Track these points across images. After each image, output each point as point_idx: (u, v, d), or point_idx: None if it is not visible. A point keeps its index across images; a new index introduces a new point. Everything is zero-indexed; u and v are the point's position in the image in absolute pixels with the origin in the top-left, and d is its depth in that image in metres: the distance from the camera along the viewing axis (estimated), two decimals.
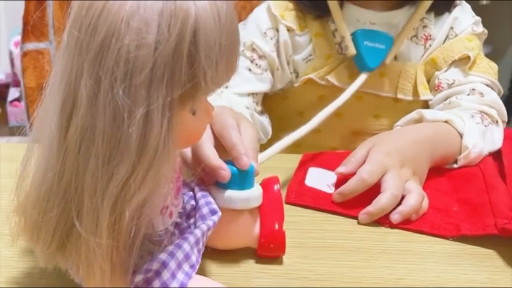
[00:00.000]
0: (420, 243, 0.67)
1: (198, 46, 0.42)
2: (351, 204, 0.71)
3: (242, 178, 0.59)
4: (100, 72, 0.42)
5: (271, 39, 0.92)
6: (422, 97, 0.91)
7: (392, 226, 0.69)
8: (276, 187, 0.63)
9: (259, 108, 0.93)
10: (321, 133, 0.93)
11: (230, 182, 0.58)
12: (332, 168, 0.79)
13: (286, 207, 0.71)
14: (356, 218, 0.70)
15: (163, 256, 0.49)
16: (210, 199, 0.57)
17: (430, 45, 0.92)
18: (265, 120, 0.93)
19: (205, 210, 0.56)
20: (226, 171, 0.57)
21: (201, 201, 0.57)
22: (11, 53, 2.82)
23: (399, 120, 0.89)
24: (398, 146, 0.76)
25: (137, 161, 0.43)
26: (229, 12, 0.45)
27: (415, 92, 0.92)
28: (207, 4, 0.43)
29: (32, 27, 1.15)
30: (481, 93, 0.88)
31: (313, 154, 0.85)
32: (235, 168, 0.58)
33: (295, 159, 0.84)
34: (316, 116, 0.81)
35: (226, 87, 0.89)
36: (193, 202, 0.58)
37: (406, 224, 0.69)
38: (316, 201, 0.73)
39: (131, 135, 0.42)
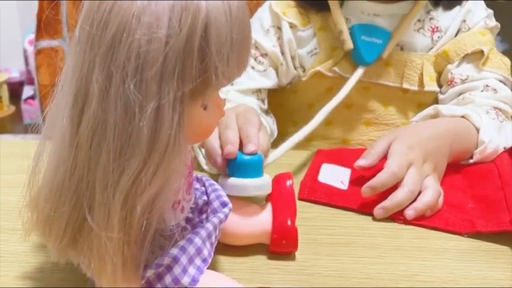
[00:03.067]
0: (435, 239, 0.66)
1: (209, 41, 0.42)
2: (365, 200, 0.71)
3: (252, 166, 0.62)
4: (111, 67, 0.42)
5: (274, 35, 0.93)
6: (427, 88, 0.91)
7: (406, 222, 0.69)
8: (288, 183, 0.63)
9: (265, 106, 0.93)
10: (332, 125, 0.93)
11: (241, 171, 0.61)
12: (345, 164, 0.79)
13: (299, 203, 0.71)
14: (369, 214, 0.70)
15: (174, 251, 0.49)
16: (221, 192, 0.57)
17: (439, 37, 0.92)
18: (269, 120, 0.93)
19: (216, 204, 0.56)
20: (232, 146, 0.61)
21: (212, 196, 0.57)
22: (25, 51, 2.84)
23: (415, 114, 0.89)
24: (420, 139, 0.75)
25: (148, 155, 0.42)
26: (240, 6, 0.45)
27: (421, 83, 0.91)
28: None
29: (46, 24, 1.15)
30: (495, 90, 0.88)
31: (327, 150, 0.85)
32: (245, 158, 0.61)
33: (308, 155, 0.84)
34: (319, 113, 0.82)
35: (232, 84, 0.89)
36: (205, 197, 0.57)
37: (420, 221, 0.69)
38: (330, 197, 0.72)
39: (142, 129, 0.42)
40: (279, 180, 0.64)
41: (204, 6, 0.42)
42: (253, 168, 0.62)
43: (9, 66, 2.96)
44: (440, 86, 0.94)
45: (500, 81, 0.90)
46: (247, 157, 0.62)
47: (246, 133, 0.64)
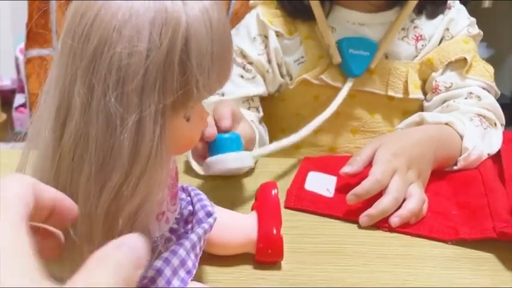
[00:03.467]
0: (420, 247, 0.67)
1: (189, 54, 0.43)
2: (351, 208, 0.71)
3: (230, 141, 0.66)
4: (93, 80, 0.42)
5: (261, 44, 0.93)
6: (412, 95, 0.92)
7: (391, 230, 0.69)
8: (273, 192, 0.63)
9: (259, 114, 0.93)
10: (320, 133, 0.94)
11: (220, 147, 0.65)
12: (331, 172, 0.79)
13: (285, 211, 0.72)
14: (355, 222, 0.70)
15: (158, 263, 0.49)
16: (206, 202, 0.58)
17: (423, 46, 0.93)
18: (262, 129, 0.93)
19: (201, 214, 0.56)
20: (211, 128, 0.65)
21: (197, 206, 0.57)
22: (16, 59, 2.83)
23: (400, 121, 0.90)
24: (404, 146, 0.76)
25: (129, 168, 0.43)
26: (221, 19, 0.45)
27: (405, 90, 0.92)
28: (198, 12, 0.43)
29: (35, 34, 1.15)
30: (479, 97, 0.89)
31: (313, 158, 0.85)
32: (223, 135, 0.66)
33: (296, 163, 0.84)
34: (311, 123, 0.82)
35: (223, 94, 0.90)
36: (190, 207, 0.58)
37: (405, 228, 0.69)
38: (316, 205, 0.73)
39: (123, 142, 0.42)
40: (264, 189, 0.64)
41: (184, 20, 0.42)
42: (231, 143, 0.66)
43: (1, 74, 2.95)
44: (425, 93, 0.95)
45: (484, 88, 0.91)
46: (225, 135, 0.66)
47: (218, 114, 0.68)
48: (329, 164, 0.82)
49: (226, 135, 0.67)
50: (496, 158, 0.83)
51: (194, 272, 0.52)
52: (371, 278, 0.61)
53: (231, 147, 0.66)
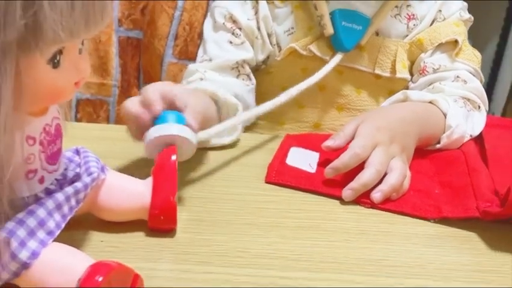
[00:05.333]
0: (402, 224, 0.66)
1: None
2: (332, 183, 0.70)
3: (173, 115, 0.63)
4: None
5: (251, 9, 0.90)
6: (399, 75, 0.91)
7: (373, 206, 0.68)
8: (172, 157, 0.60)
9: (251, 82, 0.90)
10: (304, 108, 0.92)
11: (164, 118, 0.63)
12: (314, 148, 0.78)
13: (266, 186, 0.71)
14: (337, 198, 0.69)
15: (9, 225, 0.46)
16: (92, 164, 0.56)
17: (414, 25, 0.92)
18: (250, 101, 0.90)
19: (84, 176, 0.54)
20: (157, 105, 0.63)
21: (83, 168, 0.55)
22: None
23: (385, 100, 0.89)
24: (388, 121, 0.76)
25: None
26: None
27: (393, 69, 0.91)
28: None
29: None
30: (465, 81, 0.88)
31: (296, 135, 0.84)
32: (168, 113, 0.63)
33: (278, 139, 0.82)
34: (289, 90, 0.80)
35: (211, 60, 0.88)
36: (78, 170, 0.56)
37: (387, 205, 0.68)
38: (297, 181, 0.71)
39: None
40: (163, 155, 0.61)
41: None
42: (176, 117, 0.63)
43: None
44: (411, 74, 0.94)
45: (471, 73, 0.90)
46: (170, 112, 0.63)
47: (146, 99, 0.64)
48: (312, 140, 0.80)
49: (170, 113, 0.63)
50: (478, 140, 0.83)
51: (57, 232, 0.49)
52: (352, 254, 0.60)
53: (174, 120, 0.63)
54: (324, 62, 0.87)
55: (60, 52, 0.44)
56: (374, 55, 0.91)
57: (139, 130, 0.64)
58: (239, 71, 0.90)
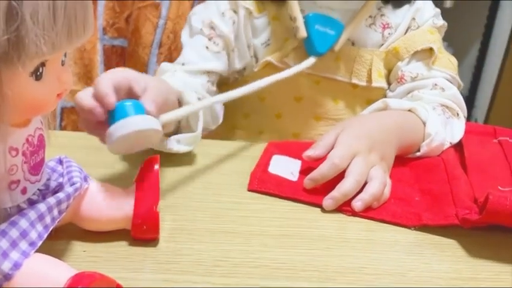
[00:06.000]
0: (383, 232, 0.67)
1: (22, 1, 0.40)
2: (314, 191, 0.71)
3: (131, 106, 0.60)
4: None
5: (230, 19, 0.91)
6: (375, 83, 0.92)
7: (354, 214, 0.69)
8: (155, 167, 0.61)
9: (213, 88, 0.91)
10: (282, 118, 0.93)
11: (122, 111, 0.59)
12: (296, 156, 0.78)
13: (248, 194, 0.71)
14: (318, 206, 0.70)
15: None
16: (74, 173, 0.56)
17: (389, 34, 0.93)
18: (217, 105, 0.91)
19: (67, 186, 0.54)
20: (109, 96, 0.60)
21: (65, 178, 0.55)
22: None
23: (363, 109, 0.89)
24: (367, 130, 0.76)
25: None
26: None
27: (369, 78, 0.92)
28: None
29: None
30: (442, 88, 0.89)
31: (278, 142, 0.84)
32: (122, 102, 0.60)
33: (260, 147, 0.83)
34: (252, 84, 0.79)
35: (183, 64, 0.89)
36: (61, 179, 0.56)
37: (368, 213, 0.69)
38: (280, 189, 0.72)
39: None
40: (146, 164, 0.61)
41: None
42: (133, 107, 0.60)
43: None
44: (389, 83, 0.94)
45: (448, 80, 0.91)
46: (125, 101, 0.61)
47: (98, 91, 0.61)
48: (294, 148, 0.81)
49: (126, 102, 0.61)
50: (458, 147, 0.84)
51: (39, 243, 0.49)
52: (333, 262, 0.61)
53: (132, 111, 0.60)
54: (300, 74, 0.86)
55: (43, 64, 0.45)
56: (350, 65, 0.91)
57: (91, 124, 0.62)
58: (208, 76, 0.90)
